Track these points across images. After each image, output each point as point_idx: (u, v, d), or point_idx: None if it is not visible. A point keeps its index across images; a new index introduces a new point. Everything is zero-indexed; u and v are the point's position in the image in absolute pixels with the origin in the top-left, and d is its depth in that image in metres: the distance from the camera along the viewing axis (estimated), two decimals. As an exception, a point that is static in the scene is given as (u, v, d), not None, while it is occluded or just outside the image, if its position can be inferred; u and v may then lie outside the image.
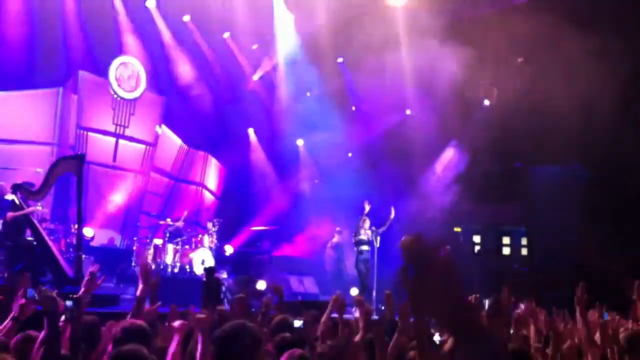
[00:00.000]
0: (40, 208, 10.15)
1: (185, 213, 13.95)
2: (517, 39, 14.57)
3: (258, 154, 17.50)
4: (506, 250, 18.34)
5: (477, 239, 18.64)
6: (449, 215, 17.22)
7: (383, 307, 12.01)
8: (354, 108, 17.97)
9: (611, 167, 15.83)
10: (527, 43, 15.09)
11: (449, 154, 17.61)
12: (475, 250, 18.59)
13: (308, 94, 17.40)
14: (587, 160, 16.62)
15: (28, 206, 9.75)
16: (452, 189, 17.16)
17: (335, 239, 15.26)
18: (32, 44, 12.68)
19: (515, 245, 18.39)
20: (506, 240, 18.44)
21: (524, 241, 18.21)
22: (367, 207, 12.81)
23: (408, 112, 17.57)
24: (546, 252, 16.73)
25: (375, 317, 10.67)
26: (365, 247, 12.69)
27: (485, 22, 14.49)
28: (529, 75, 15.64)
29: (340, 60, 17.27)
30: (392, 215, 12.84)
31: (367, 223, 12.83)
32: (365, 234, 12.70)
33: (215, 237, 13.81)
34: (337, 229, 15.33)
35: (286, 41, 16.41)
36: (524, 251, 18.18)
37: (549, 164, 17.35)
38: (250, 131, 17.53)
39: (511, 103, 16.15)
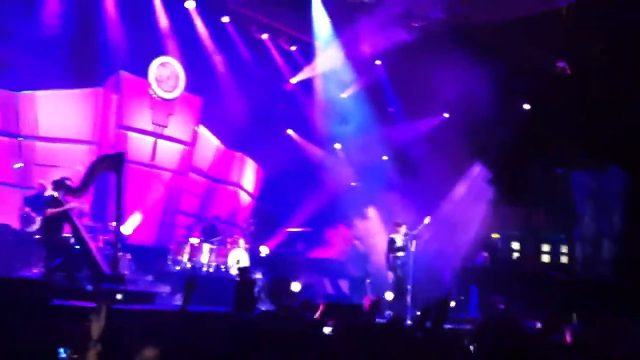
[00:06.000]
0: (76, 204, 10.21)
1: None
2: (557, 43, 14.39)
3: (295, 155, 17.47)
4: (545, 258, 18.00)
5: (515, 245, 18.34)
6: (487, 221, 17.00)
7: (418, 313, 11.90)
8: (391, 110, 17.86)
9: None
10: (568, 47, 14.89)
11: (485, 160, 17.36)
12: (514, 257, 18.28)
13: (344, 95, 17.33)
14: (629, 165, 16.30)
15: (67, 203, 9.86)
16: (490, 194, 16.92)
17: (357, 245, 15.24)
18: (74, 44, 12.79)
19: (554, 253, 18.05)
20: (546, 247, 18.10)
21: (564, 249, 17.86)
22: (404, 228, 12.74)
23: (446, 115, 17.40)
24: (586, 260, 16.40)
25: (408, 321, 10.58)
26: (400, 253, 12.59)
27: (523, 27, 14.30)
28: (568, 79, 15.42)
29: (378, 62, 17.17)
30: (426, 221, 12.68)
31: (404, 229, 12.73)
32: (401, 239, 12.62)
33: (248, 238, 13.86)
34: (356, 241, 15.32)
35: (324, 43, 16.39)
36: (564, 259, 17.83)
37: (590, 170, 17.02)
38: (290, 132, 17.53)
39: (553, 106, 15.91)
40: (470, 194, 17.38)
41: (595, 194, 16.77)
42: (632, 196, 16.20)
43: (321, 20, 16.16)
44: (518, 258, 17.89)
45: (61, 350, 5.00)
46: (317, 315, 7.88)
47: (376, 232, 16.22)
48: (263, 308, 10.71)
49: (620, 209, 16.31)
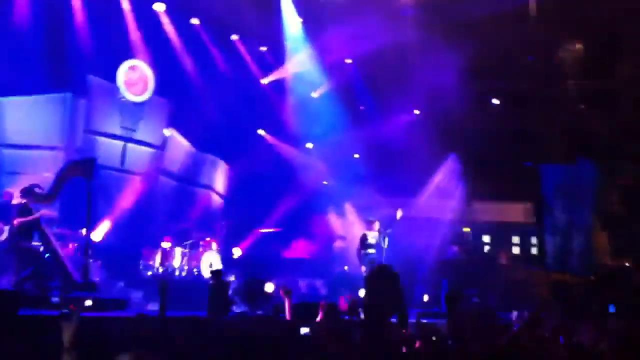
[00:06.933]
0: (46, 212, 10.11)
1: None
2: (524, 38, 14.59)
3: (268, 155, 17.45)
4: (516, 250, 18.25)
5: (486, 238, 18.56)
6: (458, 215, 17.19)
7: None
8: (362, 108, 17.93)
9: (621, 164, 15.80)
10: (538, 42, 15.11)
11: (457, 154, 17.55)
12: (485, 250, 18.50)
13: (314, 95, 17.37)
14: (596, 157, 16.59)
15: (37, 210, 9.76)
16: (460, 189, 17.11)
17: (338, 244, 15.35)
18: (41, 50, 12.65)
19: (524, 245, 18.31)
20: (515, 239, 18.36)
21: (533, 240, 18.13)
22: (377, 224, 12.88)
23: (416, 112, 17.52)
24: (556, 252, 16.66)
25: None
26: (371, 250, 12.71)
27: (491, 22, 14.46)
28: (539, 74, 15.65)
29: (349, 61, 17.21)
30: (399, 216, 12.82)
31: (377, 225, 12.86)
32: (373, 236, 12.75)
33: (221, 240, 13.85)
34: (338, 240, 15.44)
35: (295, 43, 16.40)
36: (534, 250, 18.10)
37: (559, 162, 17.29)
38: (261, 132, 17.51)
39: (519, 102, 16.14)
40: (443, 188, 17.57)
41: (565, 186, 17.03)
42: (602, 188, 16.51)
43: (291, 20, 16.17)
44: (489, 251, 18.11)
45: None
46: (287, 315, 7.88)
47: (353, 229, 16.33)
48: (237, 310, 10.73)
49: (590, 202, 16.59)
